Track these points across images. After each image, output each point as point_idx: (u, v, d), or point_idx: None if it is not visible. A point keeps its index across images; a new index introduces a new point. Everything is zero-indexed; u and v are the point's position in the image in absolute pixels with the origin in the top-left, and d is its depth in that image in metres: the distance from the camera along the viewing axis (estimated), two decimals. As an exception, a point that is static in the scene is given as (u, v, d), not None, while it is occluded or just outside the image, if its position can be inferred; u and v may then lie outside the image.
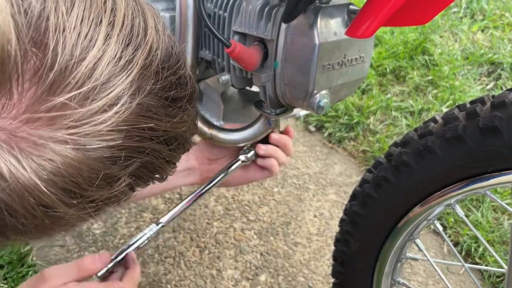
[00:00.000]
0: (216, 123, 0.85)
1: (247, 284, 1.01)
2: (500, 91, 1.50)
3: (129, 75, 0.30)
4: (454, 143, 0.49)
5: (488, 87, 1.58)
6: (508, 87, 1.45)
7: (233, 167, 0.81)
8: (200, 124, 0.79)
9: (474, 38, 1.82)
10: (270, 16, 0.65)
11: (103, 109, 0.29)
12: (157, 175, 0.40)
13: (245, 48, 0.63)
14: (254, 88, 0.79)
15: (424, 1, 0.55)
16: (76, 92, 0.28)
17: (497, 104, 0.46)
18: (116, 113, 0.30)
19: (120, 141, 0.31)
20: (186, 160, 0.81)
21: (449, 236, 1.09)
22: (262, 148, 0.80)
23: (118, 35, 0.30)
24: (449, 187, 0.52)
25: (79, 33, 0.28)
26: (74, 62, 0.28)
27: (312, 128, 1.47)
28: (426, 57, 1.63)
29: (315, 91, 0.64)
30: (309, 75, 0.62)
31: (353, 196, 0.64)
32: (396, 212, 0.58)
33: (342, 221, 0.67)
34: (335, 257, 0.70)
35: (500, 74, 1.63)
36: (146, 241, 0.73)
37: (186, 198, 0.80)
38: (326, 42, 0.61)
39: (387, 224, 0.60)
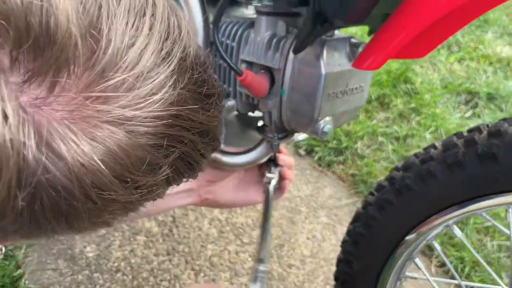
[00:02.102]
0: (218, 146, 0.87)
1: (243, 306, 1.02)
2: (478, 119, 1.59)
3: (169, 65, 0.32)
4: (454, 168, 0.53)
5: (467, 115, 1.66)
6: (485, 115, 1.54)
7: (271, 192, 0.82)
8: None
9: (452, 69, 1.92)
10: (278, 47, 0.69)
11: (149, 94, 0.31)
12: (190, 171, 0.40)
13: (255, 76, 0.67)
14: (253, 113, 0.83)
15: (424, 37, 0.60)
16: (126, 75, 0.29)
17: (494, 133, 0.51)
18: (159, 100, 0.31)
19: (163, 128, 0.32)
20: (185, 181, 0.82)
21: (436, 257, 1.14)
22: (287, 172, 0.83)
23: (159, 27, 0.33)
24: (448, 209, 0.56)
25: (127, 21, 0.30)
26: (124, 47, 0.30)
27: (302, 152, 1.51)
28: (408, 86, 1.71)
29: (319, 118, 0.68)
30: (315, 103, 0.66)
31: (356, 218, 0.68)
32: (398, 233, 0.62)
33: (344, 242, 0.70)
34: (336, 277, 0.73)
35: (476, 103, 1.72)
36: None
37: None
38: (331, 72, 0.65)
39: (389, 244, 0.63)
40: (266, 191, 0.82)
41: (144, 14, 0.32)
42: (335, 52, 0.67)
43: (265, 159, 0.86)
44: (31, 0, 0.26)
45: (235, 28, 0.74)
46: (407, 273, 0.68)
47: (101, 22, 0.29)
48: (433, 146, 0.59)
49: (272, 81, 0.72)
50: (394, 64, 1.80)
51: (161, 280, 1.06)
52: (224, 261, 1.12)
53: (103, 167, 0.29)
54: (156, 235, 1.17)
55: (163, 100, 0.32)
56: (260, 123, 0.83)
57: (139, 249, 1.13)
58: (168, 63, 0.32)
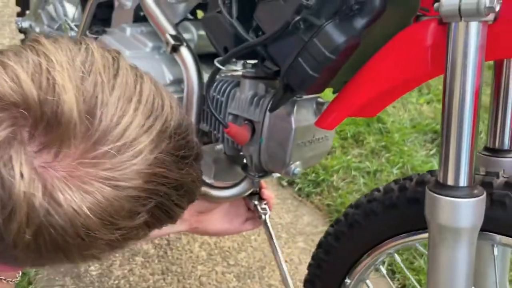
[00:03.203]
0: (208, 181, 0.99)
1: (227, 321, 1.12)
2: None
3: (149, 136, 0.40)
4: (390, 208, 0.65)
5: (431, 152, 1.80)
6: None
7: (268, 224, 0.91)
8: (197, 184, 0.93)
9: (421, 110, 2.07)
10: (258, 103, 0.81)
11: (130, 158, 0.39)
12: (168, 217, 0.46)
13: (238, 128, 0.79)
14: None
15: (376, 100, 0.72)
16: (113, 145, 0.38)
17: (420, 182, 0.63)
18: (139, 161, 0.39)
19: (141, 184, 0.40)
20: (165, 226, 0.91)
21: (398, 280, 1.24)
22: (270, 205, 0.92)
23: (143, 109, 0.41)
24: (387, 240, 0.68)
25: (117, 106, 0.40)
26: (112, 126, 0.38)
27: (284, 183, 1.63)
28: (380, 125, 1.85)
29: (291, 162, 0.80)
30: (287, 150, 0.78)
31: (319, 245, 0.79)
32: (350, 258, 0.73)
33: (310, 265, 0.81)
34: (304, 295, 0.83)
35: (442, 141, 1.86)
36: None
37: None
38: (300, 127, 0.77)
39: (344, 267, 0.74)
40: (265, 223, 0.90)
41: (131, 100, 0.41)
42: (303, 109, 0.79)
43: (247, 193, 0.97)
44: (46, 96, 0.37)
45: (224, 86, 0.87)
46: (361, 292, 0.79)
47: (96, 108, 0.38)
48: (378, 189, 0.70)
49: (253, 131, 0.84)
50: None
51: (155, 297, 1.15)
52: (211, 281, 1.21)
53: (89, 213, 0.38)
54: (152, 256, 1.26)
55: (142, 162, 0.40)
56: (244, 162, 0.95)
57: (137, 268, 1.22)
58: (148, 134, 0.40)
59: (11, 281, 0.55)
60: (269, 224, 0.90)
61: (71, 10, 1.43)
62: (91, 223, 0.38)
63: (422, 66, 0.54)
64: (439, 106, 2.10)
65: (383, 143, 1.76)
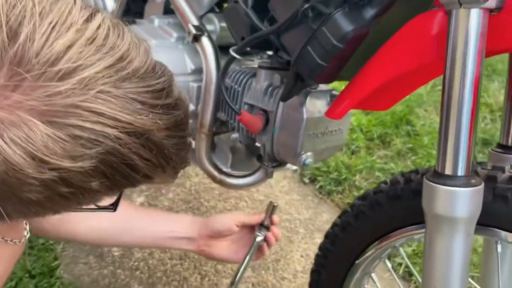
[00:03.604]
0: (224, 169, 1.01)
1: (238, 309, 1.13)
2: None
3: (93, 68, 0.34)
4: (395, 200, 0.65)
5: (462, 157, 1.74)
6: (479, 159, 1.60)
7: (254, 245, 0.89)
8: (211, 169, 0.96)
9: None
10: (272, 94, 0.82)
11: (68, 88, 0.33)
12: (129, 169, 0.39)
13: (251, 117, 0.81)
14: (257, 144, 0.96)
15: (387, 92, 0.71)
16: (46, 69, 0.32)
17: (425, 174, 0.62)
18: (77, 93, 0.33)
19: (80, 122, 0.34)
20: (190, 228, 0.90)
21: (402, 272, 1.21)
22: (270, 237, 0.90)
23: (89, 38, 0.35)
24: (392, 233, 0.67)
25: (51, 31, 0.33)
26: (46, 49, 0.33)
27: (306, 180, 1.63)
28: (409, 127, 1.81)
29: (302, 152, 0.80)
30: (298, 140, 0.79)
31: (326, 236, 0.79)
32: (356, 250, 0.72)
33: (317, 256, 0.81)
34: (310, 285, 0.83)
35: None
36: None
37: (244, 262, 0.88)
38: (311, 117, 0.78)
39: (349, 259, 0.74)
40: (254, 239, 0.89)
41: (70, 27, 0.35)
42: (317, 101, 0.80)
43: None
44: None
45: (241, 77, 0.89)
46: (366, 286, 0.78)
47: (22, 28, 0.33)
48: (385, 182, 0.70)
49: (267, 121, 0.85)
50: (398, 107, 1.90)
51: (172, 280, 1.18)
52: (227, 269, 1.23)
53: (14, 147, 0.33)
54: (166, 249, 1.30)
55: (80, 94, 0.33)
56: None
57: (156, 253, 1.26)
58: (93, 66, 0.34)
59: (18, 242, 0.59)
60: (255, 243, 0.89)
61: (111, 3, 1.50)
62: (16, 158, 0.33)
63: (428, 55, 0.54)
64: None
65: (410, 146, 1.72)
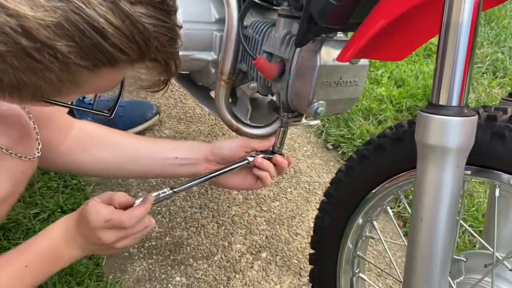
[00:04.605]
0: (244, 120, 1.03)
1: (250, 257, 1.17)
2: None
3: None
4: (398, 142, 0.65)
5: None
6: None
7: (239, 164, 0.87)
8: (229, 117, 0.98)
9: (491, 92, 1.91)
10: (290, 42, 0.83)
11: None
12: (93, 46, 0.39)
13: (266, 62, 0.82)
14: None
15: (398, 40, 0.70)
16: None
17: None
18: None
19: None
20: (197, 154, 0.87)
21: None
22: (258, 161, 0.86)
23: None
24: (394, 177, 0.67)
25: None
26: None
27: (330, 146, 1.63)
28: (442, 101, 1.75)
29: (314, 101, 0.81)
30: (311, 87, 0.80)
31: (331, 182, 0.80)
32: (358, 195, 0.73)
33: (321, 202, 0.83)
34: (314, 230, 0.85)
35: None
36: (157, 198, 0.78)
37: (199, 178, 0.86)
38: (325, 65, 0.78)
39: (350, 204, 0.75)
40: (235, 163, 0.86)
41: None
42: (331, 49, 0.80)
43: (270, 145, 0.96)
44: None
45: (261, 26, 0.90)
46: (367, 234, 0.79)
47: None
48: (390, 127, 0.70)
49: (284, 70, 0.86)
50: (431, 81, 1.84)
51: (190, 226, 1.24)
52: (243, 221, 1.27)
53: None
54: (194, 192, 1.35)
55: None
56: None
57: (178, 201, 1.32)
58: None
59: (28, 158, 0.61)
60: (238, 165, 0.86)
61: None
62: None
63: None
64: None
65: (440, 119, 1.67)
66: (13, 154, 0.59)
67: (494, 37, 2.43)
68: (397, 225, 0.76)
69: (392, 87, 1.85)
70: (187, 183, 0.84)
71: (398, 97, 1.77)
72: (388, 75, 1.95)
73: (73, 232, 0.69)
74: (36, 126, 0.65)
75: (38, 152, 0.64)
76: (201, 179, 0.86)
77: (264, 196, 1.37)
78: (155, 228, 1.21)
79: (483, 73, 2.08)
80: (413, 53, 2.21)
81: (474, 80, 2.00)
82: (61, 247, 0.69)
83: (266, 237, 1.23)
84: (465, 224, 0.67)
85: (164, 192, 0.80)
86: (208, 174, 0.86)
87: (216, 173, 0.86)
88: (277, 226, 1.27)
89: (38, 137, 0.65)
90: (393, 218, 0.75)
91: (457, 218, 0.54)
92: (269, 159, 0.87)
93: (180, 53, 0.96)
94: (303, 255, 1.19)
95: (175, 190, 0.81)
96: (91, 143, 0.86)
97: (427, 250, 0.51)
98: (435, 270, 0.51)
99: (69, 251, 0.70)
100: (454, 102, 0.48)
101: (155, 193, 0.79)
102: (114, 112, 0.54)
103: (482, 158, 0.54)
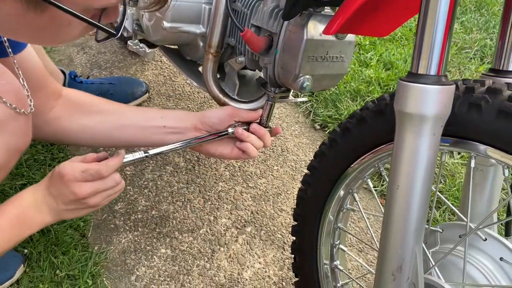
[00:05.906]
0: (231, 95, 1.03)
1: (235, 231, 1.19)
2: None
3: None
4: (378, 115, 0.65)
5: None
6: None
7: (220, 134, 0.88)
8: (216, 91, 0.98)
9: (476, 77, 1.93)
10: (277, 16, 0.83)
11: None
12: None
13: (254, 34, 0.82)
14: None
15: (382, 15, 0.71)
16: None
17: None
18: None
19: None
20: (185, 122, 0.87)
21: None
22: (239, 132, 0.87)
23: None
24: (374, 150, 0.68)
25: None
26: None
27: (317, 126, 1.64)
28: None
29: (300, 75, 0.81)
30: (296, 61, 0.80)
31: (315, 155, 0.81)
32: (339, 168, 0.74)
33: (304, 175, 0.84)
34: (297, 203, 0.87)
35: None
36: (131, 161, 0.79)
37: (176, 143, 0.85)
38: (312, 39, 0.78)
39: (332, 176, 0.76)
40: (217, 133, 0.88)
41: None
42: (318, 24, 0.80)
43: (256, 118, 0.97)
44: None
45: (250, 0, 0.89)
46: (348, 206, 0.80)
47: None
48: (373, 101, 0.70)
49: (271, 44, 0.86)
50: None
51: (176, 201, 1.24)
52: (229, 197, 1.28)
53: None
54: (181, 168, 1.36)
55: None
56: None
57: (165, 175, 1.32)
58: None
59: (26, 112, 0.62)
60: (220, 134, 0.88)
61: None
62: None
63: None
64: (500, 77, 1.95)
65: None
66: (8, 104, 0.58)
67: (484, 23, 2.44)
68: (377, 197, 0.78)
69: (380, 70, 1.85)
70: (162, 148, 0.83)
71: (386, 79, 1.78)
72: (377, 58, 1.95)
73: (43, 196, 0.70)
74: (28, 89, 0.65)
75: (31, 108, 0.63)
76: (176, 145, 0.85)
77: (251, 173, 1.38)
78: (139, 201, 1.22)
79: (471, 58, 2.10)
80: (403, 37, 2.22)
81: (462, 65, 2.02)
82: (31, 212, 0.69)
83: (252, 212, 1.25)
84: (441, 195, 0.69)
85: (138, 155, 0.80)
86: (185, 141, 0.86)
87: (194, 141, 0.86)
88: (263, 202, 1.28)
89: (29, 94, 0.64)
90: (373, 190, 0.76)
91: (434, 188, 0.55)
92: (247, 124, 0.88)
93: (169, 24, 0.96)
94: (287, 230, 1.21)
95: (149, 152, 0.81)
96: (79, 110, 0.86)
97: (402, 216, 0.53)
98: (409, 235, 0.53)
99: (39, 216, 0.70)
100: (433, 71, 0.48)
101: (127, 156, 0.79)
102: (120, 32, 0.53)
103: (459, 129, 0.55)
